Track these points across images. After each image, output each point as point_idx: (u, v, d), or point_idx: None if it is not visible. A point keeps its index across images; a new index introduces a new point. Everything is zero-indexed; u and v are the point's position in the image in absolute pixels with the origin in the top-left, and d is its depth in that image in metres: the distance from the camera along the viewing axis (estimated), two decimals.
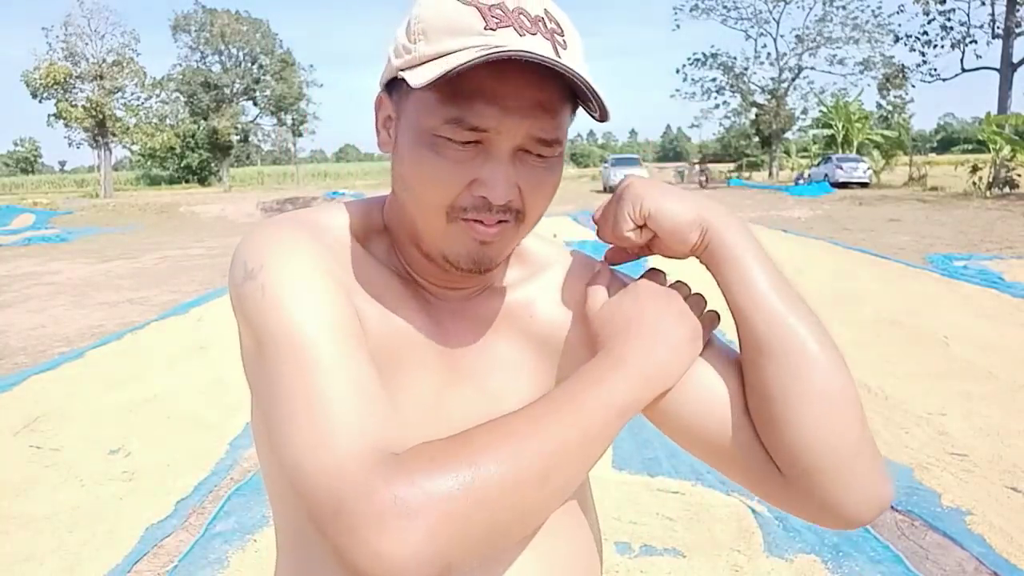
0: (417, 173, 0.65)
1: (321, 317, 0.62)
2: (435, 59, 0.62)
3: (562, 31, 0.64)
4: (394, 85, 0.68)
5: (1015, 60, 37.51)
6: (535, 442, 0.59)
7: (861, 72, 45.39)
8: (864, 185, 29.49)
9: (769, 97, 45.47)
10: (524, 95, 0.62)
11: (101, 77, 41.17)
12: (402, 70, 0.64)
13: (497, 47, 0.59)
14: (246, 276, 0.64)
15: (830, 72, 51.18)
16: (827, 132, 39.12)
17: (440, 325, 0.74)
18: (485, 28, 0.61)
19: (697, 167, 41.57)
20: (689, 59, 49.45)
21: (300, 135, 59.27)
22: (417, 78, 0.61)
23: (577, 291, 0.78)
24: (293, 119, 57.05)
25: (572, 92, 0.65)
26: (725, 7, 46.73)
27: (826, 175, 30.38)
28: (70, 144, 50.99)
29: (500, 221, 0.66)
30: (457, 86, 0.61)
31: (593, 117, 0.66)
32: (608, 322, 0.71)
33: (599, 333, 0.71)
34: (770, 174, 43.91)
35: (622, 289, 0.74)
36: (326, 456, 0.57)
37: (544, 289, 0.79)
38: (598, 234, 0.75)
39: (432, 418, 0.71)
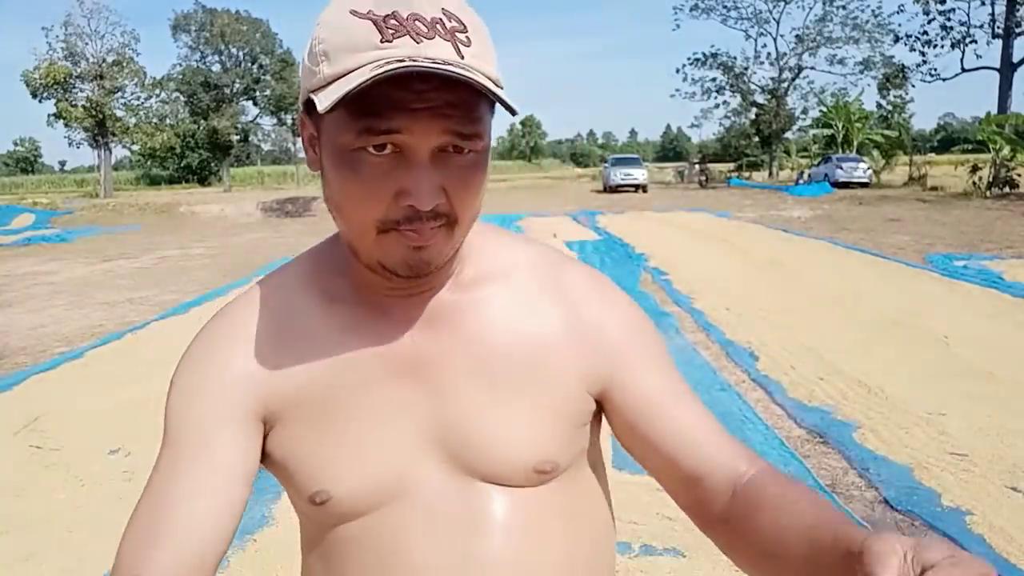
0: (342, 193, 0.65)
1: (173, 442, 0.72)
2: (337, 79, 0.61)
3: (464, 27, 0.63)
4: (311, 105, 0.66)
5: (1015, 60, 37.49)
6: None
7: (861, 72, 45.31)
8: (864, 185, 29.47)
9: (769, 97, 45.41)
10: (431, 97, 0.61)
11: (101, 77, 41.15)
12: (311, 92, 0.64)
13: (390, 60, 0.59)
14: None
15: (830, 72, 51.33)
16: (827, 132, 39.09)
17: (407, 337, 0.74)
18: (382, 41, 0.60)
19: (697, 167, 41.54)
20: (689, 59, 49.45)
21: (300, 135, 59.31)
22: (322, 101, 0.61)
23: (538, 290, 0.78)
24: (293, 119, 57.05)
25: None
26: (725, 7, 46.65)
27: (826, 175, 30.37)
28: (70, 144, 51.05)
29: (432, 227, 0.65)
30: (364, 100, 0.60)
31: (510, 111, 0.64)
32: None
33: None
34: (770, 174, 43.88)
35: None
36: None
37: (506, 287, 0.77)
38: None
39: (423, 426, 0.73)
